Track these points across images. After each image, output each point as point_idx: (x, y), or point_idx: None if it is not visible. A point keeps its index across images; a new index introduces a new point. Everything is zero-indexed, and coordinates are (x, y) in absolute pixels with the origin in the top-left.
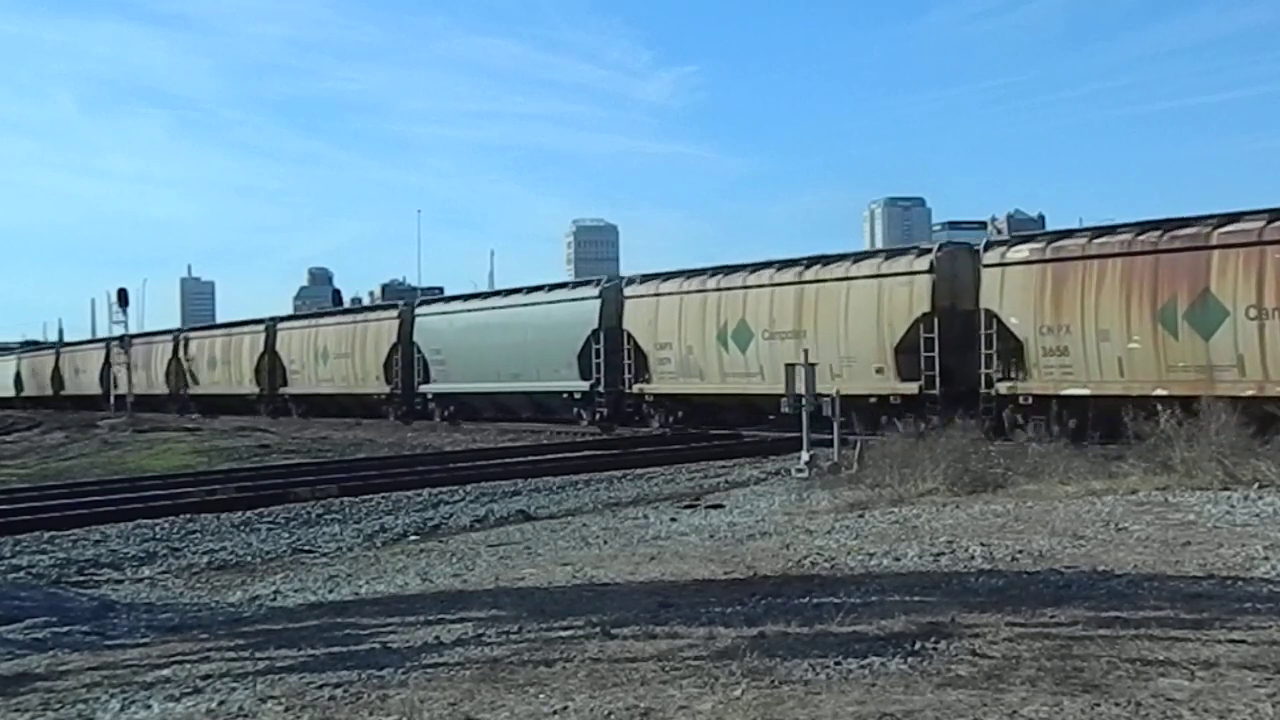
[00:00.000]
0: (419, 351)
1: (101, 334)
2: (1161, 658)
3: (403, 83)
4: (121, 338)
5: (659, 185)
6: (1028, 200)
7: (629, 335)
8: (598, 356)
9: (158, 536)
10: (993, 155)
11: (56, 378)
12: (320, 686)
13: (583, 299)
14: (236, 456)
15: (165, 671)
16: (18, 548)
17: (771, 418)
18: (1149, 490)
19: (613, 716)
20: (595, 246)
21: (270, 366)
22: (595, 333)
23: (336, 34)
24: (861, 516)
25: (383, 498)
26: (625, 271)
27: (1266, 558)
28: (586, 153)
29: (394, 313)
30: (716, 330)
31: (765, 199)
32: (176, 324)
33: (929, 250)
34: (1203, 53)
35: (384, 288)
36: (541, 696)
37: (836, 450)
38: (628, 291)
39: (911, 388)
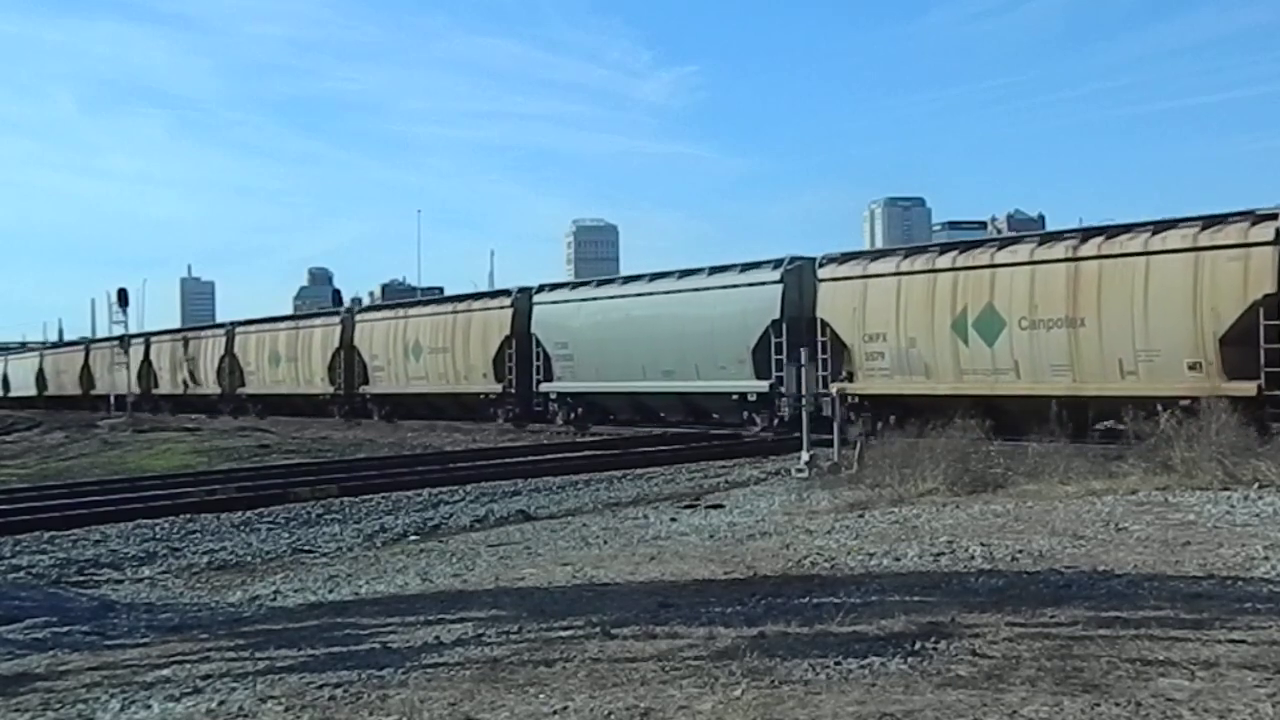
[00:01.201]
0: (539, 345)
1: (102, 334)
2: (1161, 658)
3: (403, 83)
4: (122, 337)
5: (659, 185)
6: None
7: (825, 325)
8: (779, 351)
9: (158, 536)
10: (993, 155)
11: (86, 376)
12: (320, 686)
13: (759, 283)
14: (236, 456)
15: (165, 671)
16: (18, 548)
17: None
18: (1149, 490)
19: (613, 716)
20: (595, 246)
21: (347, 363)
22: (776, 323)
23: (336, 34)
24: (861, 516)
25: (383, 498)
26: (625, 270)
27: (1266, 558)
28: (586, 153)
29: (507, 301)
30: (951, 318)
31: (765, 199)
32: (177, 324)
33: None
34: (1203, 53)
35: (384, 288)
36: (541, 696)
37: (836, 450)
38: (823, 273)
39: (1248, 388)
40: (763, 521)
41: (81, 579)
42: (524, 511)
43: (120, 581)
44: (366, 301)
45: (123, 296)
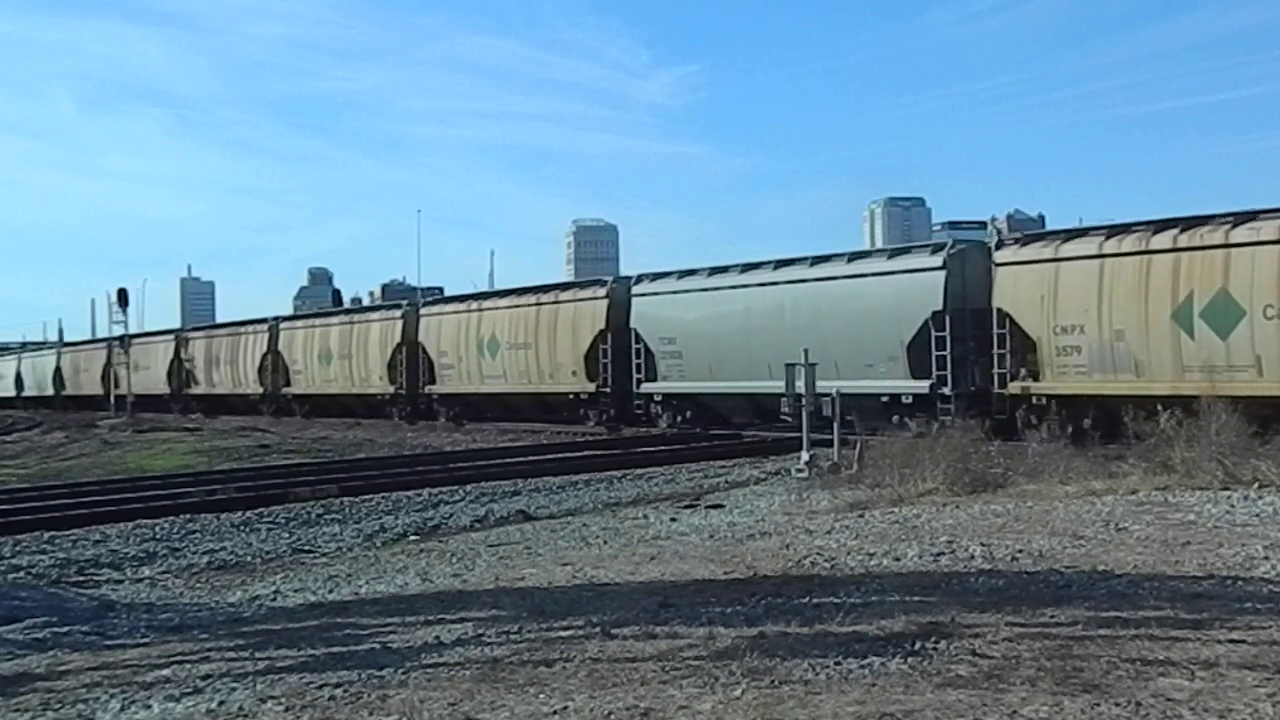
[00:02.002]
0: (638, 341)
1: (102, 334)
2: (1161, 658)
3: (402, 82)
4: (122, 337)
5: (659, 185)
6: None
7: (1004, 315)
8: (940, 347)
9: (158, 536)
10: (993, 155)
11: (109, 375)
12: (320, 686)
13: (917, 270)
14: (236, 456)
15: (165, 671)
16: (18, 548)
17: None
18: (1149, 490)
19: (613, 716)
20: (595, 246)
21: (409, 360)
22: (938, 315)
23: (335, 34)
24: (861, 516)
25: (383, 498)
26: (625, 270)
27: (1266, 558)
28: (586, 153)
29: (601, 291)
30: (1171, 307)
31: (765, 199)
32: (176, 324)
33: None
34: (1203, 53)
35: (384, 288)
36: (541, 696)
37: (836, 450)
38: (1002, 256)
39: None
40: (763, 521)
41: (81, 579)
42: (524, 511)
43: (120, 581)
44: (366, 301)
45: (123, 296)
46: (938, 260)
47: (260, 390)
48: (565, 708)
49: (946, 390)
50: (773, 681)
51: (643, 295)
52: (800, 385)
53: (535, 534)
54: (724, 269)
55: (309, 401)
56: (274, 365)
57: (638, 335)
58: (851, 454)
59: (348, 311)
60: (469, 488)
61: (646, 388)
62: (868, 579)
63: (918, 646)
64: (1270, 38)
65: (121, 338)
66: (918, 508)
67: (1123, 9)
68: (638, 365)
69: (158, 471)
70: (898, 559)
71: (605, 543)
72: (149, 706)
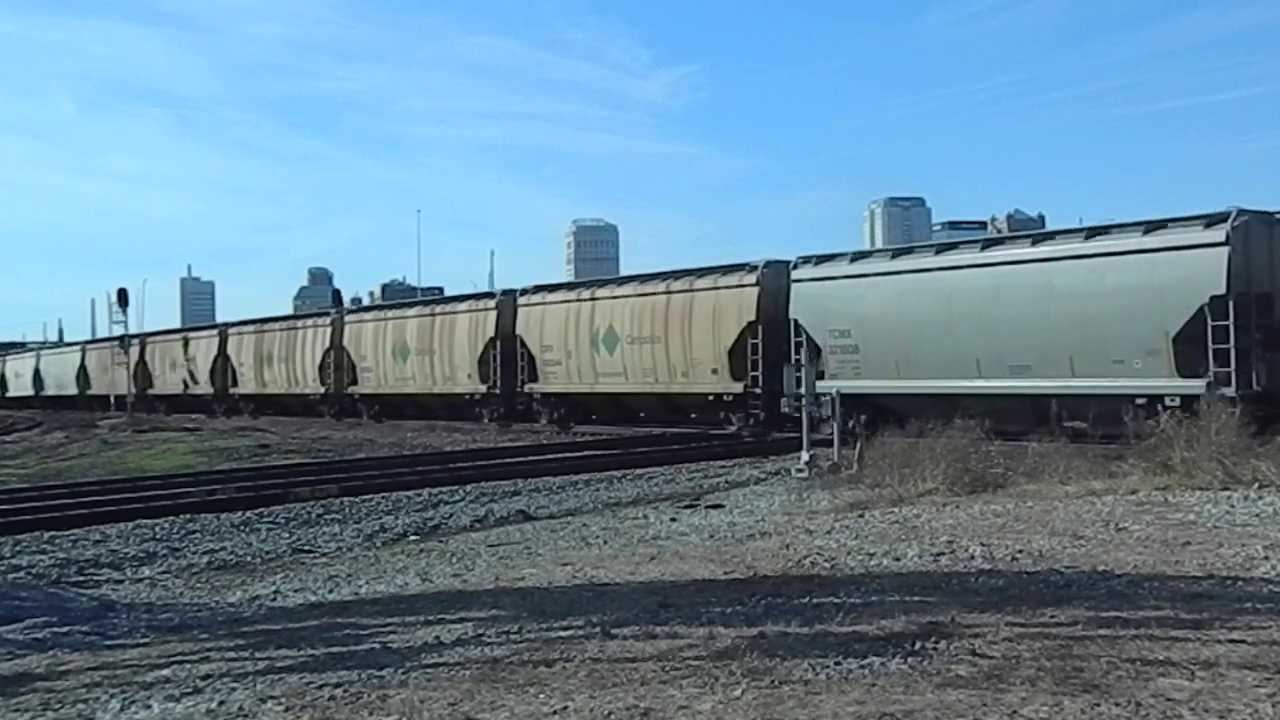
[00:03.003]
0: (799, 332)
1: (102, 334)
2: (1161, 658)
3: (402, 82)
4: (122, 337)
5: (659, 185)
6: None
7: None
8: (1221, 338)
9: (158, 536)
10: (993, 155)
11: (143, 373)
12: (320, 686)
13: (1186, 247)
14: (236, 456)
15: (165, 671)
16: (18, 548)
17: None
18: (1149, 490)
19: (613, 716)
20: (595, 246)
21: (504, 355)
22: (1218, 300)
23: (336, 34)
24: (861, 516)
25: (383, 498)
26: (625, 269)
27: (1266, 558)
28: (586, 153)
29: (751, 277)
30: None
31: (765, 199)
32: (176, 323)
33: None
34: (1203, 53)
35: (384, 288)
36: (541, 696)
37: (836, 450)
38: None
39: None
40: (763, 521)
41: (81, 579)
42: (524, 511)
43: (120, 581)
44: (366, 301)
45: (123, 296)
46: (1218, 235)
47: (321, 390)
48: (565, 708)
49: (1229, 390)
50: (773, 681)
51: (807, 281)
52: (800, 385)
53: (535, 534)
54: (912, 249)
55: (379, 402)
56: (338, 362)
57: (798, 326)
58: (851, 454)
59: (428, 302)
60: (469, 488)
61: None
62: (868, 579)
63: (918, 646)
64: (1270, 38)
65: (122, 338)
66: (918, 508)
67: (1123, 9)
68: (797, 361)
69: (158, 471)
70: (898, 559)
71: (605, 543)
72: (149, 706)
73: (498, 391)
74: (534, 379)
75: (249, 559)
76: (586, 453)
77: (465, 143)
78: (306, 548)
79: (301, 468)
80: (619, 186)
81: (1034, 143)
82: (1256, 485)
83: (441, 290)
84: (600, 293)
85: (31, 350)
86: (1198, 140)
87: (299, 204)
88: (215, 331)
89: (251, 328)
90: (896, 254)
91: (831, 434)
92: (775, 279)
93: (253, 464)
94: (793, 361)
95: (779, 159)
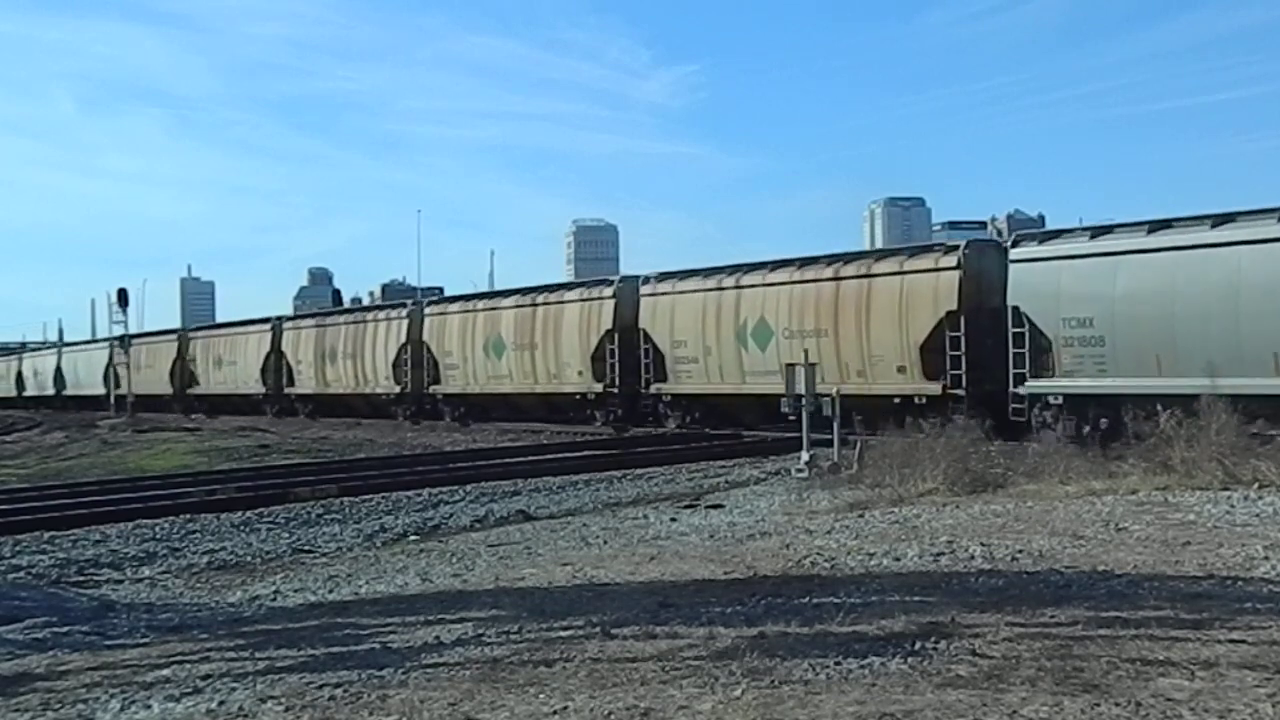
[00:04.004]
0: (1023, 321)
1: (102, 334)
2: (1161, 658)
3: (402, 82)
4: (121, 338)
5: (659, 185)
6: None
7: None
8: None
9: (158, 536)
10: (993, 155)
11: (183, 371)
12: (320, 686)
13: None
14: (236, 456)
15: (165, 671)
16: (18, 548)
17: None
18: (1149, 490)
19: (613, 716)
20: (595, 246)
21: (622, 350)
22: None
23: (336, 34)
24: (861, 516)
25: (383, 498)
26: (625, 269)
27: (1266, 558)
28: (586, 153)
29: (950, 259)
30: None
31: (765, 199)
32: (176, 324)
33: None
34: (1203, 53)
35: (384, 288)
36: (541, 696)
37: (836, 450)
38: None
39: None
40: (763, 521)
41: (81, 579)
42: (524, 511)
43: (120, 581)
44: (366, 301)
45: (123, 296)
46: None
47: (396, 389)
48: (565, 708)
49: None
50: (773, 681)
51: (1034, 261)
52: (800, 385)
53: (535, 534)
54: (1166, 223)
55: (465, 402)
56: (415, 359)
57: (1021, 316)
58: (851, 454)
59: (527, 291)
60: (469, 488)
61: (1034, 386)
62: (868, 579)
63: (918, 646)
64: (1270, 38)
65: (122, 337)
66: (918, 508)
67: (1123, 9)
68: (1018, 356)
69: (158, 471)
70: (898, 559)
71: (605, 543)
72: (149, 706)
73: (615, 390)
74: (663, 378)
75: (249, 559)
76: (586, 453)
77: (465, 143)
78: (306, 548)
79: (301, 468)
80: (619, 186)
81: (1034, 143)
82: (1256, 485)
83: (441, 290)
84: (745, 280)
85: (52, 348)
86: (1198, 140)
87: (299, 204)
88: (268, 326)
89: (311, 321)
90: (1154, 229)
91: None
92: (981, 260)
93: (253, 464)
94: (1011, 356)
95: (779, 159)
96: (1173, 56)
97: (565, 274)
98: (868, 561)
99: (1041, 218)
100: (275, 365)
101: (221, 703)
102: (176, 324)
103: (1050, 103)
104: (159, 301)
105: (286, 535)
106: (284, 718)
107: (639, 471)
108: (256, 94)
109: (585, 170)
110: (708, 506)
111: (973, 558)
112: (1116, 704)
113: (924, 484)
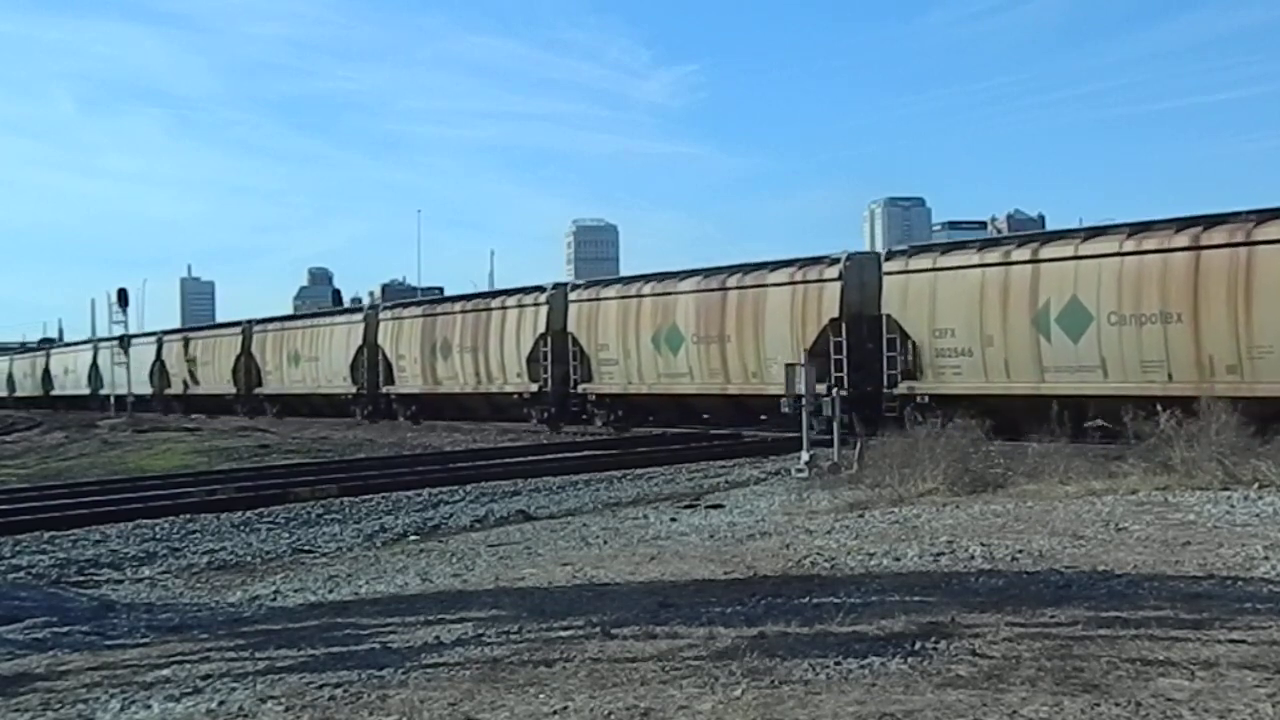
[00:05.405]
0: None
1: (102, 334)
2: (1161, 658)
3: (402, 82)
4: (121, 338)
5: (659, 185)
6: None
7: None
8: None
9: (158, 536)
10: (993, 155)
11: (241, 367)
12: (320, 686)
13: None
14: (236, 456)
15: (165, 671)
16: (18, 548)
17: None
18: (1149, 490)
19: (613, 716)
20: (595, 246)
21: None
22: None
23: (336, 34)
24: (861, 516)
25: (383, 498)
26: (625, 270)
27: (1266, 558)
28: (586, 153)
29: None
30: None
31: (765, 199)
32: (177, 324)
33: None
34: (1203, 53)
35: (384, 288)
36: (541, 696)
37: (836, 450)
38: None
39: None
40: (763, 521)
41: (81, 579)
42: (524, 511)
43: (120, 581)
44: (366, 301)
45: (123, 296)
46: None
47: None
48: (565, 708)
49: None
50: (773, 681)
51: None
52: (801, 385)
53: (535, 534)
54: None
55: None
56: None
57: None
58: (851, 454)
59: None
60: (469, 488)
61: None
62: (868, 579)
63: (918, 646)
64: (1270, 38)
65: (122, 337)
66: (918, 508)
67: (1123, 9)
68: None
69: (158, 471)
70: (898, 559)
71: (605, 543)
72: (149, 706)
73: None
74: (921, 375)
75: (249, 559)
76: (586, 453)
77: (465, 143)
78: (306, 548)
79: (301, 468)
80: (619, 186)
81: (1034, 143)
82: (1256, 485)
83: (441, 290)
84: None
85: (85, 345)
86: (1198, 140)
87: (299, 204)
88: (359, 316)
89: (416, 310)
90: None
91: None
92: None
93: (253, 464)
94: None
95: (779, 159)
96: (1173, 56)
97: (566, 274)
98: (868, 561)
99: (1041, 217)
100: (370, 361)
101: (221, 703)
102: (177, 324)
103: (1050, 103)
104: (159, 301)
105: (286, 535)
106: (284, 718)
107: (639, 471)
108: (256, 94)
109: (585, 170)
110: (708, 506)
111: (973, 558)
112: (1116, 704)
113: (924, 484)
